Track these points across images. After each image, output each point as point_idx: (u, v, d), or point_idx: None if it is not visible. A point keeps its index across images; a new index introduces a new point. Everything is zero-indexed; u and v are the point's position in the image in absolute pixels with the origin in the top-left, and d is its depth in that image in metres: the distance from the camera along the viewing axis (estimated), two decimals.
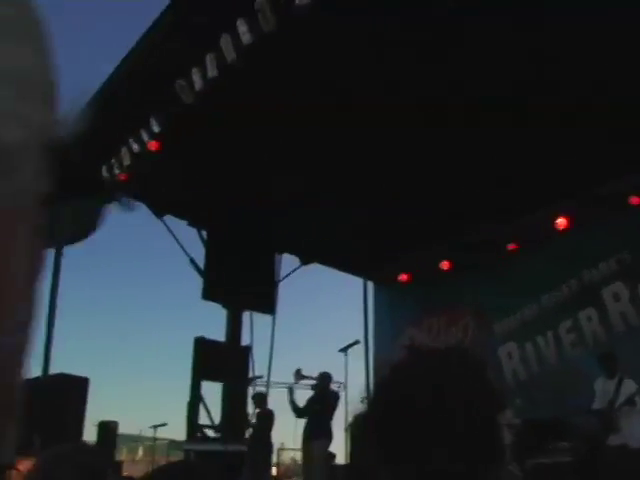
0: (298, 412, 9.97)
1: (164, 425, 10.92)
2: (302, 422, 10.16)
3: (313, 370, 10.12)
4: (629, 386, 8.23)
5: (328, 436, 9.27)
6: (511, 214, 11.63)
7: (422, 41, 8.19)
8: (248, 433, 11.43)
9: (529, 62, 8.47)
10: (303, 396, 10.37)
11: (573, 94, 8.77)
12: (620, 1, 7.55)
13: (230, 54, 8.46)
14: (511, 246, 12.51)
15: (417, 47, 8.26)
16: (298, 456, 15.64)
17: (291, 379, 10.43)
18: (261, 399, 11.18)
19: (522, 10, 7.82)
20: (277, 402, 11.77)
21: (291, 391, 10.08)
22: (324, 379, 9.68)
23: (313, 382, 9.93)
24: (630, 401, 8.14)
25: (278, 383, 12.05)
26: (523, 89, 8.82)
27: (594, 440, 8.50)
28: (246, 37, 8.21)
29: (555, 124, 9.26)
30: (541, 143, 9.71)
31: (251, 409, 11.55)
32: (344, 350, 9.73)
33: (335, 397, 9.39)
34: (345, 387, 9.93)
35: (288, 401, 10.11)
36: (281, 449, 15.60)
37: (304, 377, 10.10)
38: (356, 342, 10.20)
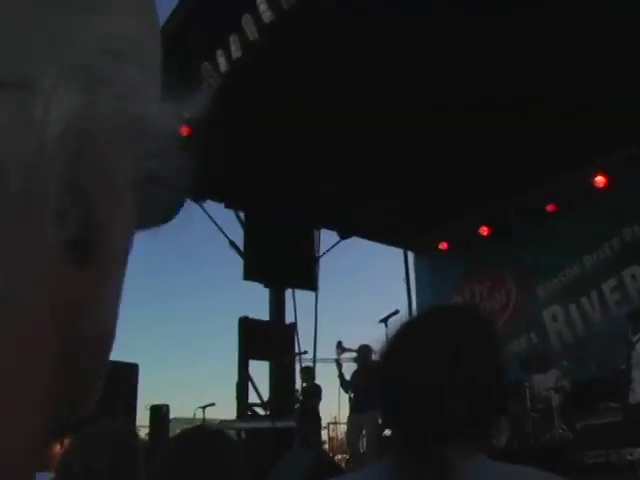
0: (345, 386, 10.04)
1: (212, 405, 11.10)
2: (341, 398, 10.29)
3: (356, 342, 10.15)
4: None
5: (376, 408, 9.29)
6: (549, 175, 11.46)
7: None
8: (296, 408, 11.55)
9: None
10: (349, 369, 10.42)
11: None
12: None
13: (253, 33, 8.46)
14: (550, 207, 12.32)
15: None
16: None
17: (334, 354, 10.47)
18: (308, 374, 11.26)
19: (521, 11, 7.79)
20: (324, 377, 11.85)
21: (339, 365, 10.12)
22: (364, 351, 9.69)
23: (354, 355, 9.96)
24: (630, 350, 8.05)
25: (323, 359, 12.11)
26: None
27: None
28: (267, 15, 8.20)
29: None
30: (575, 103, 9.54)
31: (299, 384, 11.64)
32: (384, 320, 9.70)
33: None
34: None
35: (337, 375, 10.17)
36: (332, 423, 15.71)
37: (345, 349, 10.14)
38: (396, 312, 10.15)
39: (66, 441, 2.90)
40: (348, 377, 10.27)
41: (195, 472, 1.55)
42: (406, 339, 1.23)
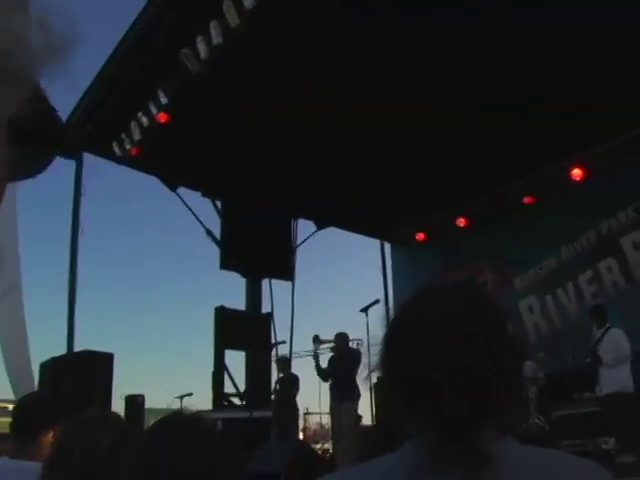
0: (323, 376, 10.00)
1: (190, 395, 11.01)
2: (326, 386, 10.21)
3: (332, 333, 10.11)
4: (613, 337, 8.19)
5: (354, 396, 9.28)
6: (526, 167, 11.51)
7: None
8: (273, 398, 11.51)
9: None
10: (326, 360, 10.40)
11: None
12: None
13: (234, 19, 8.37)
14: (527, 199, 12.40)
15: None
16: (324, 420, 15.76)
17: (312, 347, 10.43)
18: (285, 364, 11.23)
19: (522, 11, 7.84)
20: (300, 368, 11.82)
21: (316, 357, 10.08)
22: (341, 339, 9.67)
23: (332, 345, 9.93)
24: (595, 354, 8.17)
25: (300, 352, 12.07)
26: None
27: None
28: (248, 1, 8.12)
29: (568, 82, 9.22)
30: (555, 96, 9.59)
31: (275, 374, 11.61)
32: (364, 310, 9.70)
33: (355, 354, 9.36)
34: (368, 347, 9.89)
35: (314, 368, 10.13)
36: (307, 413, 15.69)
37: (323, 342, 10.10)
38: (376, 301, 10.16)
39: (44, 435, 2.85)
40: (325, 366, 10.24)
41: (172, 458, 1.51)
42: (416, 321, 1.17)
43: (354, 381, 9.19)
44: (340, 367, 9.36)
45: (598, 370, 8.19)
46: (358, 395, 9.25)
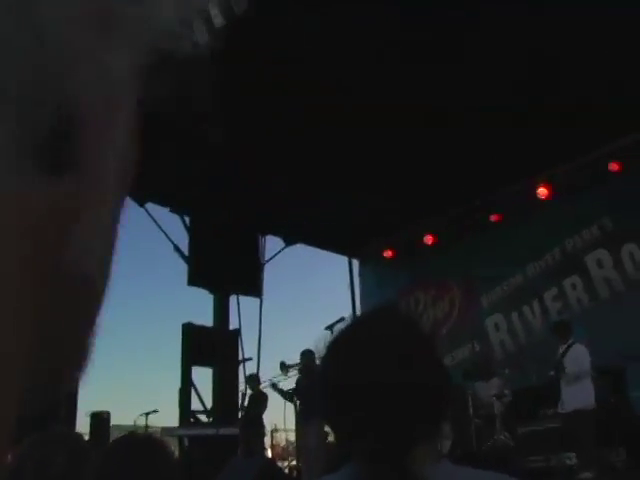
0: (289, 398, 9.95)
1: (155, 412, 10.93)
2: (286, 405, 10.23)
3: (299, 352, 10.09)
4: (576, 351, 8.29)
5: (319, 415, 9.25)
6: (493, 185, 11.65)
7: None
8: (240, 415, 11.44)
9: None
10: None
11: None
12: None
13: (203, 37, 8.37)
14: (494, 217, 12.54)
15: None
16: (292, 437, 15.69)
17: (272, 372, 10.41)
18: (255, 381, 11.19)
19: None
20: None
21: (274, 386, 10.06)
22: (307, 357, 9.65)
23: (299, 366, 9.88)
24: (559, 365, 8.26)
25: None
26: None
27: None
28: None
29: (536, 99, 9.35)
30: (520, 114, 9.72)
31: (244, 392, 11.53)
32: (330, 328, 9.71)
33: None
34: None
35: (279, 394, 10.08)
36: (274, 430, 15.63)
37: (290, 367, 10.07)
38: (341, 319, 10.16)
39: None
40: (288, 389, 10.20)
41: (129, 477, 1.51)
42: (353, 339, 1.19)
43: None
44: (305, 383, 9.33)
45: (560, 385, 8.26)
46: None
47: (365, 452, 1.09)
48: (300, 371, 9.84)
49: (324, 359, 1.21)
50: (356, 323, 1.27)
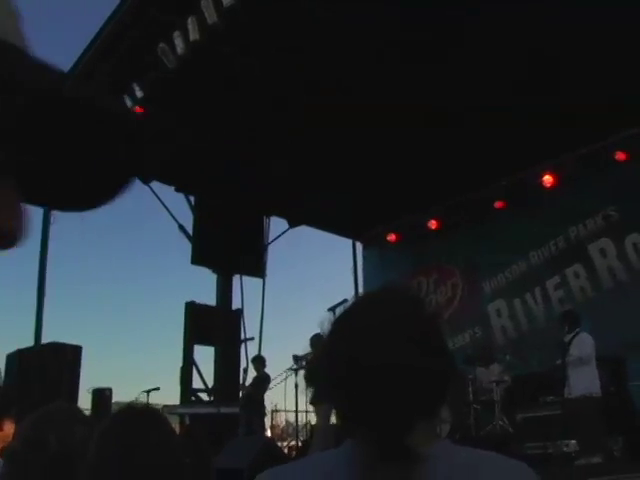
0: (307, 378, 9.99)
1: (157, 389, 10.97)
2: (286, 387, 10.27)
3: (302, 333, 10.13)
4: (580, 338, 8.32)
5: (328, 400, 9.26)
6: (499, 173, 11.64)
7: None
8: (241, 395, 11.51)
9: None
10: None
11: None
12: None
13: (211, 16, 8.37)
14: (499, 204, 12.53)
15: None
16: (291, 418, 15.75)
17: (295, 342, 10.42)
18: (260, 362, 11.24)
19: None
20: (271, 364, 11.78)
21: (296, 372, 10.06)
22: (316, 341, 9.65)
23: (310, 352, 9.88)
24: (565, 350, 8.28)
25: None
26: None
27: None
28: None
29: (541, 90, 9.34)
30: (528, 103, 9.70)
31: (250, 372, 11.58)
32: (332, 309, 9.70)
33: None
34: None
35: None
36: (275, 411, 15.71)
37: (301, 358, 10.07)
38: (344, 301, 10.16)
39: (7, 424, 2.85)
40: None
41: (126, 450, 1.54)
42: (358, 318, 1.19)
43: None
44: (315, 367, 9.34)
45: (567, 372, 8.29)
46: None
47: (366, 430, 1.11)
48: (309, 356, 9.85)
49: (328, 338, 1.21)
50: (362, 302, 1.26)
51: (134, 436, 1.59)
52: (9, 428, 2.83)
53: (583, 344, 8.19)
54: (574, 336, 8.35)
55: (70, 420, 2.00)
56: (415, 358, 1.11)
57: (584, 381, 8.05)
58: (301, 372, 10.11)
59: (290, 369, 10.29)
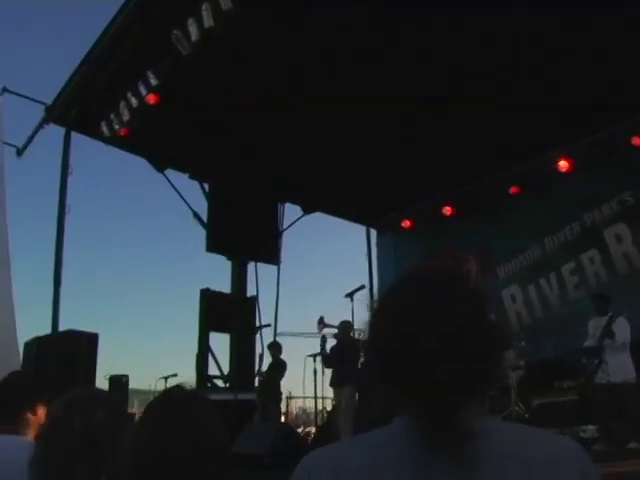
0: (326, 362, 10.03)
1: (175, 376, 11.07)
2: (309, 372, 10.30)
3: (316, 317, 10.15)
4: (620, 323, 8.27)
5: (353, 383, 9.34)
6: (514, 158, 11.59)
7: None
8: (257, 381, 11.58)
9: None
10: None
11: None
12: None
13: (226, 3, 8.34)
14: (513, 189, 12.48)
15: None
16: (306, 405, 15.86)
17: (310, 329, 10.45)
18: (276, 348, 11.30)
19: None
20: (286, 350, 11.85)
21: (323, 340, 10.07)
22: (345, 327, 9.69)
23: (335, 330, 9.92)
24: (610, 333, 8.19)
25: (302, 333, 11.91)
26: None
27: (587, 377, 8.61)
28: None
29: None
30: (542, 88, 9.66)
31: (266, 358, 11.65)
32: (350, 295, 9.74)
33: (357, 344, 9.46)
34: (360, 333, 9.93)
35: (320, 352, 10.14)
36: (289, 397, 15.81)
37: (327, 325, 10.09)
38: (362, 287, 10.19)
39: (40, 409, 2.89)
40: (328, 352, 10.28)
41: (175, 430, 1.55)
42: (410, 293, 1.19)
43: (354, 369, 9.30)
44: (341, 355, 9.42)
45: (605, 356, 8.22)
46: (357, 382, 9.33)
47: (418, 407, 1.13)
48: (336, 337, 9.88)
49: (379, 314, 1.22)
50: (410, 278, 1.25)
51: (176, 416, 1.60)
52: (42, 413, 2.86)
53: (625, 329, 8.17)
54: (611, 318, 8.29)
55: (92, 402, 2.04)
56: (469, 333, 1.13)
57: (626, 367, 8.03)
58: (330, 339, 10.13)
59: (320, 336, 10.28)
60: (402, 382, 1.14)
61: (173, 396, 1.71)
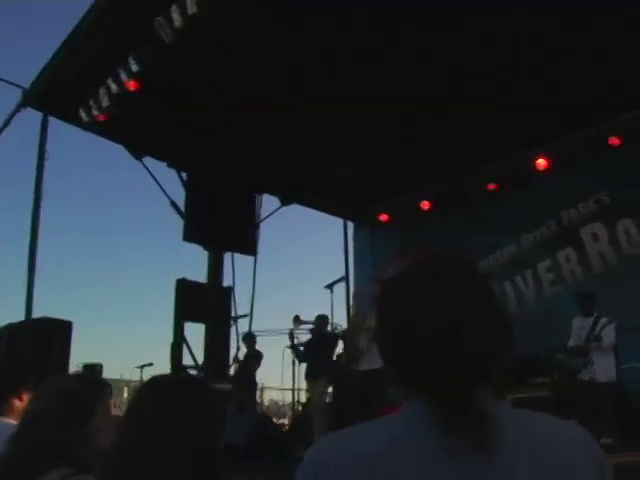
0: (299, 357, 10.03)
1: (150, 365, 11.01)
2: (284, 364, 10.32)
3: (293, 309, 10.20)
4: (606, 326, 8.40)
5: (326, 376, 9.38)
6: (492, 155, 11.65)
7: None
8: (232, 372, 11.57)
9: None
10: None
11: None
12: None
13: None
14: (492, 186, 12.56)
15: None
16: (278, 396, 15.87)
17: (284, 324, 10.47)
18: (251, 339, 11.28)
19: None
20: (262, 346, 11.87)
21: (291, 336, 10.08)
22: (320, 321, 9.71)
23: (310, 326, 9.93)
24: (597, 337, 8.33)
25: (274, 330, 11.96)
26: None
27: (570, 375, 8.71)
28: None
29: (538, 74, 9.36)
30: (522, 86, 9.72)
31: (241, 349, 11.65)
32: (330, 287, 9.77)
33: (333, 338, 9.48)
34: (335, 327, 9.99)
35: (290, 347, 10.15)
36: (261, 389, 15.80)
37: (303, 322, 10.11)
38: (342, 278, 10.24)
39: (26, 396, 2.88)
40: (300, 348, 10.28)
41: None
42: (419, 280, 1.20)
43: (328, 363, 9.32)
44: (316, 349, 9.43)
45: (591, 355, 8.35)
46: (331, 375, 9.36)
47: (433, 392, 1.12)
48: (311, 332, 9.90)
49: (386, 302, 1.22)
50: (417, 265, 1.25)
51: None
52: (27, 399, 2.85)
53: (611, 331, 8.33)
54: (596, 321, 8.43)
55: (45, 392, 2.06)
56: (480, 319, 1.14)
57: (609, 369, 8.23)
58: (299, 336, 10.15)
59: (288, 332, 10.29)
60: (416, 368, 1.14)
61: (163, 382, 1.69)
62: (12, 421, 2.81)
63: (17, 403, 2.90)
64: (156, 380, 1.70)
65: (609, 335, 8.31)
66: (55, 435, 1.90)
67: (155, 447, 1.45)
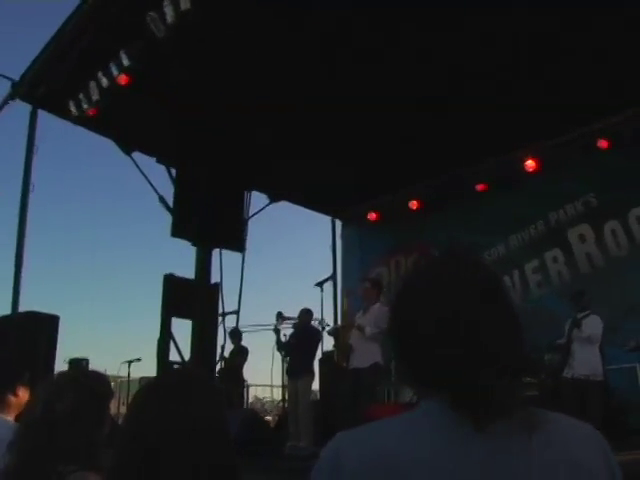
0: (282, 351, 10.01)
1: (139, 360, 10.95)
2: (266, 360, 10.31)
3: (279, 306, 10.21)
4: (591, 317, 8.42)
5: (310, 373, 9.37)
6: (481, 155, 11.69)
7: None
8: (219, 368, 11.55)
9: None
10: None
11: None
12: None
13: None
14: (480, 186, 12.60)
15: None
16: (260, 393, 15.84)
17: (270, 320, 10.44)
18: (237, 336, 11.26)
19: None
20: (248, 341, 11.85)
21: (277, 332, 10.07)
22: (304, 315, 9.71)
23: (295, 321, 9.92)
24: (578, 324, 8.34)
25: (260, 325, 11.93)
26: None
27: (555, 374, 8.75)
28: None
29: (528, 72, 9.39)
30: (513, 88, 9.74)
31: (227, 345, 11.63)
32: (320, 285, 9.76)
33: (316, 333, 9.47)
34: (321, 322, 9.97)
35: (275, 342, 10.13)
36: (245, 386, 15.76)
37: (286, 318, 10.10)
38: (331, 276, 10.25)
39: (21, 390, 2.86)
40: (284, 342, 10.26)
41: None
42: (436, 278, 1.23)
43: (311, 358, 9.30)
44: (299, 343, 9.42)
45: (572, 349, 8.37)
46: (313, 372, 9.36)
47: (452, 386, 1.13)
48: (295, 327, 9.89)
49: (405, 299, 1.24)
50: (432, 264, 1.30)
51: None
52: (23, 394, 2.83)
53: (595, 324, 8.31)
54: (585, 316, 8.44)
55: (64, 387, 2.03)
56: (497, 318, 1.16)
57: (589, 361, 8.17)
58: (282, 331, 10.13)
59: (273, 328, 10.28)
60: (435, 368, 1.15)
61: (172, 377, 1.69)
62: (8, 417, 2.79)
63: (12, 399, 2.87)
64: (180, 375, 1.70)
65: (591, 325, 8.31)
66: (81, 433, 1.89)
67: (170, 447, 1.44)
